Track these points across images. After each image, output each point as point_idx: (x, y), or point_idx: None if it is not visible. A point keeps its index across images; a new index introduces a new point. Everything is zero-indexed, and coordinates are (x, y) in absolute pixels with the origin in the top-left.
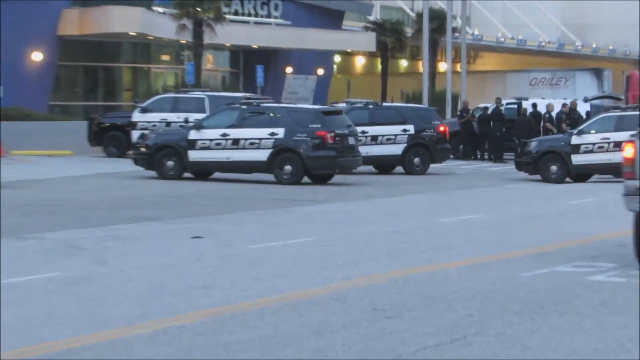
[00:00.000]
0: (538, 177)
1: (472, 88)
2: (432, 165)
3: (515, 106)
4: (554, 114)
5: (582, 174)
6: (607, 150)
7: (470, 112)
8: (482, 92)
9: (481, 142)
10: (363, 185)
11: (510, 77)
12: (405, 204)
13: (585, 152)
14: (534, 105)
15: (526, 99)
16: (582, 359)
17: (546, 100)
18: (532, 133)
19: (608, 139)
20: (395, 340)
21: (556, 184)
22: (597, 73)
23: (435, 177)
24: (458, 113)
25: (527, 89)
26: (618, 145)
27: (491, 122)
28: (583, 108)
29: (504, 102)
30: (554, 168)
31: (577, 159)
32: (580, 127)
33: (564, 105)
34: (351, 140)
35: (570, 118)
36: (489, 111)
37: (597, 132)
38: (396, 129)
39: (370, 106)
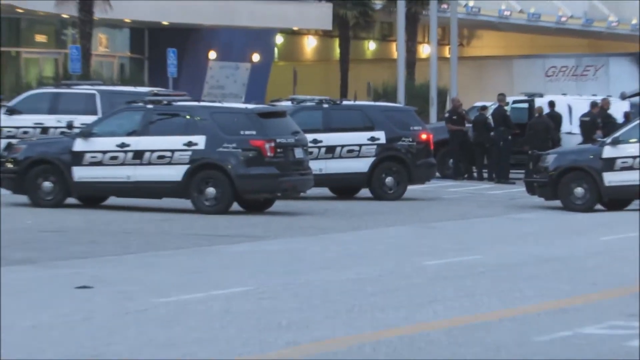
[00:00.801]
0: (557, 203)
1: (466, 80)
2: (410, 187)
3: (525, 105)
4: (578, 115)
5: (617, 199)
6: None
7: (464, 113)
8: (479, 85)
9: (478, 155)
10: (315, 215)
11: (519, 65)
12: (373, 241)
13: (623, 168)
14: (551, 104)
15: (540, 96)
16: None
17: (569, 97)
18: (549, 142)
19: None
20: None
21: (582, 212)
22: (639, 59)
23: (415, 203)
24: (446, 115)
25: (542, 81)
26: None
27: (492, 128)
28: (619, 108)
29: (509, 99)
30: (579, 191)
31: (611, 179)
32: (616, 135)
33: (593, 104)
34: (298, 153)
35: (601, 122)
36: (489, 112)
37: (639, 141)
38: (361, 137)
39: (326, 105)
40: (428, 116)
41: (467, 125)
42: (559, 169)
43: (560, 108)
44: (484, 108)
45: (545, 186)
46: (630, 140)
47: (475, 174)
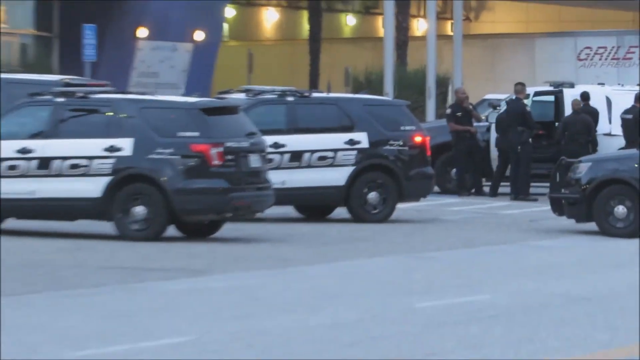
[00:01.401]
0: (592, 226)
1: (474, 66)
2: (400, 206)
3: (550, 98)
4: (619, 111)
5: None
6: None
7: (470, 108)
8: (491, 72)
9: (487, 164)
10: (276, 242)
11: (543, 45)
12: (352, 276)
13: None
14: (585, 97)
15: (571, 86)
16: None
17: (607, 88)
18: (589, 147)
19: None
20: None
21: (625, 238)
22: None
23: (407, 226)
24: (448, 111)
25: (573, 66)
26: None
27: (506, 127)
28: None
29: (530, 90)
30: (621, 210)
31: None
32: None
33: (639, 97)
34: (254, 161)
35: None
36: (502, 108)
37: None
38: (336, 139)
39: (290, 98)
40: (424, 112)
41: (475, 124)
42: (594, 181)
43: (597, 102)
44: (519, 96)
45: (577, 204)
46: None
47: (487, 189)
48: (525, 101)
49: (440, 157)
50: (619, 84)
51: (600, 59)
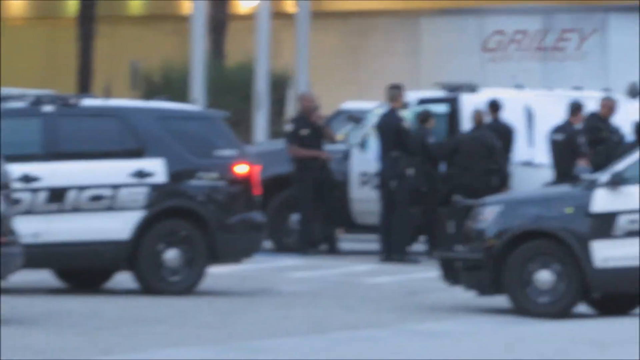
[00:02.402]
0: (502, 301)
1: (329, 59)
2: (214, 270)
3: (443, 108)
4: (546, 128)
5: (619, 295)
6: None
7: (322, 124)
8: (354, 70)
9: (345, 207)
10: (24, 326)
11: (431, 27)
12: None
13: (631, 234)
14: (493, 107)
15: (473, 90)
16: None
17: (528, 93)
18: (492, 179)
19: None
20: None
21: (551, 318)
22: None
23: (224, 301)
24: (289, 127)
25: (477, 59)
26: None
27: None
28: (624, 115)
29: (412, 97)
30: (545, 277)
31: (607, 254)
32: (618, 168)
33: (573, 108)
34: None
35: (588, 141)
36: (368, 123)
37: None
38: (118, 170)
39: (49, 108)
40: (250, 129)
41: (328, 147)
42: (505, 234)
43: (511, 114)
44: (394, 106)
45: (479, 268)
46: None
47: (347, 244)
48: (404, 113)
49: (275, 197)
50: (545, 87)
51: (518, 49)
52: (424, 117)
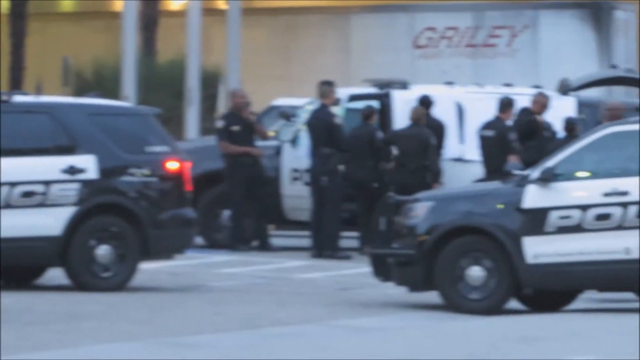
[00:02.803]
0: (434, 296)
1: (260, 55)
2: (145, 266)
3: (374, 104)
4: (476, 125)
5: (551, 290)
6: (622, 227)
7: (254, 120)
8: (285, 65)
9: (277, 203)
10: None
11: (361, 24)
12: None
13: (562, 230)
14: (425, 103)
15: (404, 86)
16: None
17: (458, 90)
18: (426, 176)
19: (626, 193)
20: None
21: (484, 315)
22: (596, 15)
23: (156, 297)
24: (220, 124)
25: (409, 56)
26: None
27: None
28: (556, 111)
29: (342, 93)
30: (476, 273)
31: (538, 250)
32: (549, 164)
33: (504, 104)
34: None
35: (519, 137)
36: (300, 119)
37: (595, 174)
38: (49, 166)
39: None
40: (182, 125)
41: (259, 143)
42: (437, 230)
43: (442, 110)
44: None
45: (411, 264)
46: (578, 175)
47: (280, 240)
48: (335, 109)
49: (206, 193)
50: (476, 84)
51: (449, 46)
52: (367, 113)
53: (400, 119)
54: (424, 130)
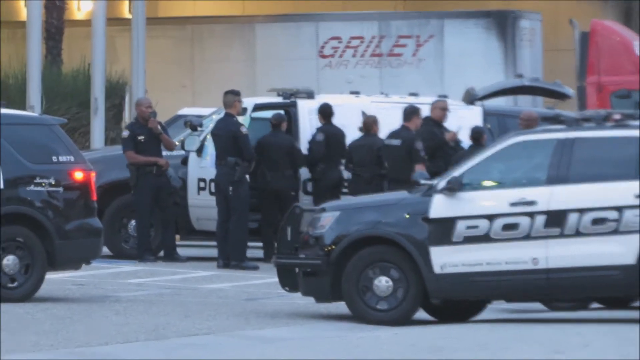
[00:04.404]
0: (341, 306)
1: (166, 64)
2: (51, 276)
3: (269, 114)
4: (382, 134)
5: (459, 300)
6: (530, 236)
7: (160, 129)
8: (190, 74)
9: (184, 213)
10: None
11: (266, 33)
12: None
13: (469, 239)
14: (325, 112)
15: (310, 96)
16: None
17: (364, 99)
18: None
19: (533, 202)
20: None
21: (391, 325)
22: (501, 24)
23: (62, 308)
24: (125, 134)
25: (314, 65)
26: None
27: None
28: (461, 120)
29: (247, 102)
30: (383, 283)
31: (446, 260)
32: (456, 173)
33: (408, 113)
34: None
35: (425, 147)
36: (205, 129)
37: (502, 184)
38: None
39: None
40: (88, 135)
41: (165, 153)
42: (344, 240)
43: (345, 119)
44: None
45: (318, 274)
46: (484, 184)
47: (189, 251)
48: (241, 119)
49: (112, 204)
50: (382, 93)
51: (354, 56)
52: (277, 121)
53: (305, 128)
54: (376, 139)
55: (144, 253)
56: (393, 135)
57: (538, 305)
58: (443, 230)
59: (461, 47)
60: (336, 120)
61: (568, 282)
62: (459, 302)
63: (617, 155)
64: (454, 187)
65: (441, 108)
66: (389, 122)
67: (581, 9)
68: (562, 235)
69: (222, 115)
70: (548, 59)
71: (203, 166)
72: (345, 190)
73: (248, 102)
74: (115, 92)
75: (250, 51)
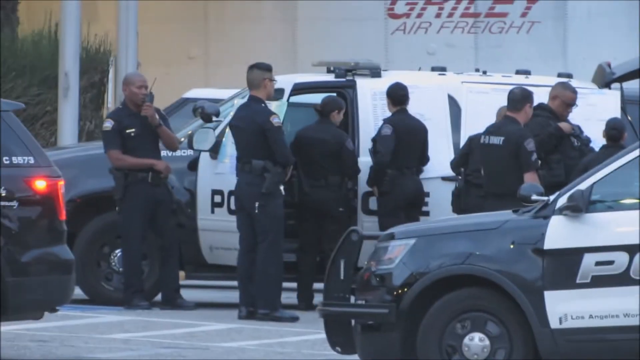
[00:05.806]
0: None
1: (168, 28)
2: (6, 329)
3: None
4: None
5: None
6: None
7: (159, 119)
8: (202, 42)
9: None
10: None
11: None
12: None
13: (602, 281)
14: (397, 96)
15: (377, 74)
16: None
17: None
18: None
19: None
20: None
21: None
22: None
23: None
24: (108, 125)
25: (381, 30)
26: None
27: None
28: (588, 110)
29: (283, 82)
30: (476, 342)
31: (568, 309)
32: (583, 185)
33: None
34: None
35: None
36: (225, 120)
37: None
38: None
39: None
40: (58, 125)
41: (165, 153)
42: (420, 280)
43: (425, 107)
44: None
45: (384, 329)
46: (623, 202)
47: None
48: (273, 105)
49: (88, 225)
50: (477, 70)
51: (438, 16)
52: (327, 108)
53: (368, 118)
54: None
55: (133, 296)
56: (493, 130)
57: None
58: (563, 267)
59: (592, 5)
60: (412, 108)
61: None
62: None
63: None
64: (579, 206)
65: (566, 101)
66: (488, 111)
67: None
68: None
69: (246, 99)
70: None
71: (219, 172)
72: (426, 208)
73: (284, 81)
74: (95, 66)
75: (290, 7)
